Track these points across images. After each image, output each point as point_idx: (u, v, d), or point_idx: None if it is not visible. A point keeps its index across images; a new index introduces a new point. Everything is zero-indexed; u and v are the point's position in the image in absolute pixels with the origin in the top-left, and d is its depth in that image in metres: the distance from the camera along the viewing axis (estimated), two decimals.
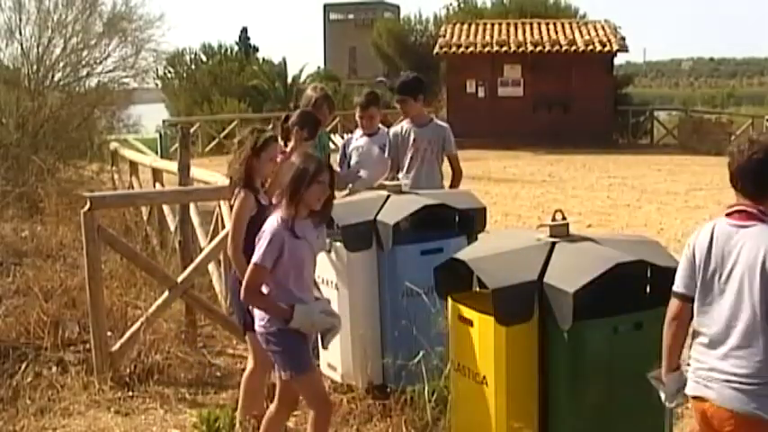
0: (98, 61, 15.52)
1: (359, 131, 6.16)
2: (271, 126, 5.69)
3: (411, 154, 5.80)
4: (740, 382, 2.75)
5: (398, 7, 59.78)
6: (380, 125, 6.19)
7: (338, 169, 5.90)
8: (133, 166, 11.12)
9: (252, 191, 4.23)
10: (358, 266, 4.69)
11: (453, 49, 24.87)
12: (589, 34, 25.07)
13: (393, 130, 5.98)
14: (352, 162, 6.04)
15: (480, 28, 26.00)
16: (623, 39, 25.08)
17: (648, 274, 3.39)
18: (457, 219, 4.86)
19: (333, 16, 62.51)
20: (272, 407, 3.93)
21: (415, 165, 5.79)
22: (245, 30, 53.02)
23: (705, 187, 15.42)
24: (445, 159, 5.94)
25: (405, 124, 5.90)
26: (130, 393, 5.14)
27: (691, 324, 2.96)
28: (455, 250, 3.78)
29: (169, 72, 33.50)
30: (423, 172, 5.78)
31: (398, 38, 35.22)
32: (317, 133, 5.35)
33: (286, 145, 5.19)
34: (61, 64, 14.74)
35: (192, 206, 6.89)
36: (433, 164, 5.86)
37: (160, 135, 20.98)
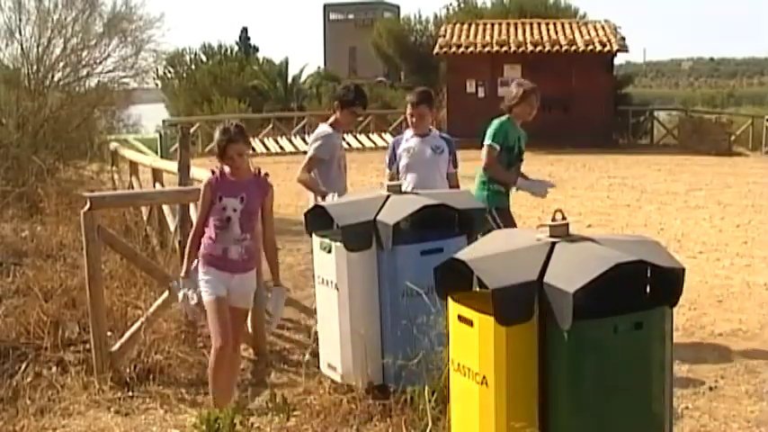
0: (98, 61, 15.50)
1: (409, 131, 5.95)
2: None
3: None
4: None
5: (398, 7, 59.87)
6: (431, 127, 6.05)
7: (387, 170, 5.97)
8: (133, 166, 11.11)
9: None
10: (358, 266, 4.68)
11: (453, 49, 24.87)
12: (589, 34, 25.07)
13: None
14: (402, 164, 5.84)
15: (480, 28, 26.00)
16: (623, 39, 25.07)
17: (648, 274, 3.38)
18: (457, 219, 4.87)
19: (333, 16, 62.53)
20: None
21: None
22: (245, 30, 53.31)
23: (705, 187, 15.42)
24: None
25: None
26: (130, 393, 5.14)
27: None
28: (455, 250, 3.77)
29: (169, 72, 33.56)
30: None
31: (398, 38, 35.22)
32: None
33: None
34: (61, 64, 14.72)
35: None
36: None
37: (160, 135, 20.95)
